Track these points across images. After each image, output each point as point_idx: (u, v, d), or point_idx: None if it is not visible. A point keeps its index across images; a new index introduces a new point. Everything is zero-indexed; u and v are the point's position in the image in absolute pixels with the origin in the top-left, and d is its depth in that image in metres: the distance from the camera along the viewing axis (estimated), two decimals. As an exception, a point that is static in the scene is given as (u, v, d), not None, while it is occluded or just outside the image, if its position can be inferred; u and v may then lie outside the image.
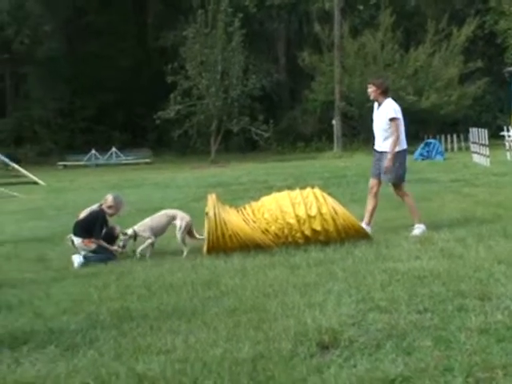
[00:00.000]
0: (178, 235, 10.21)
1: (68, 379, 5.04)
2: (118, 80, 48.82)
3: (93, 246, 9.93)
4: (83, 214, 10.32)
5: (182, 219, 10.30)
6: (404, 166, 11.10)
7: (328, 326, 5.79)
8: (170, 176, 28.83)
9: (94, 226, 9.96)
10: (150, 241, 10.11)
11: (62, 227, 13.76)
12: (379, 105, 11.15)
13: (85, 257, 9.71)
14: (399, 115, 10.99)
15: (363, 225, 10.65)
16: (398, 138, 10.86)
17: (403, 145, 11.08)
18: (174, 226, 10.34)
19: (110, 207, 10.19)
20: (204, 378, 4.92)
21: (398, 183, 11.07)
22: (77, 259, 9.59)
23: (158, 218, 10.46)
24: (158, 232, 10.33)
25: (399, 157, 10.93)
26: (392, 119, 10.88)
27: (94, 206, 10.32)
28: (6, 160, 29.35)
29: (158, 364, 5.21)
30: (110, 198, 10.26)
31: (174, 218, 10.40)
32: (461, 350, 5.10)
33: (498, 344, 5.19)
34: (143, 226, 10.21)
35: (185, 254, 10.04)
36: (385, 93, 11.14)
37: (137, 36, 55.42)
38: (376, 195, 11.16)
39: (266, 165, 33.74)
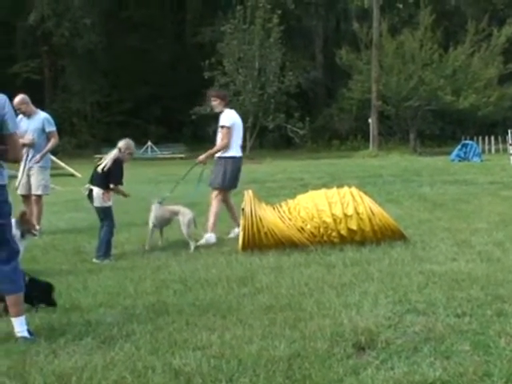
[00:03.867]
0: (184, 230, 10.30)
1: (105, 372, 5.05)
2: (155, 74, 49.04)
3: (109, 203, 9.83)
4: (104, 162, 9.85)
5: (184, 215, 10.37)
6: (233, 175, 11.37)
7: (364, 327, 5.76)
8: (205, 171, 28.83)
9: (116, 172, 9.82)
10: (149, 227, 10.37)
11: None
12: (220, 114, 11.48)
13: (97, 257, 9.63)
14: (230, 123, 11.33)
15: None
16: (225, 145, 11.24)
17: (235, 152, 11.40)
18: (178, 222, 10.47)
19: (130, 153, 10.11)
20: (240, 375, 4.90)
21: (220, 189, 11.30)
22: (96, 261, 9.56)
23: (161, 211, 10.57)
24: (160, 223, 10.55)
25: (228, 163, 11.28)
26: (222, 127, 11.28)
27: (115, 152, 9.96)
28: (44, 152, 29.54)
29: (194, 359, 5.21)
30: (131, 144, 10.14)
31: (176, 213, 10.50)
32: (500, 355, 5.04)
33: (538, 350, 5.14)
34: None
35: (192, 248, 10.12)
36: (227, 104, 11.62)
37: (175, 31, 55.68)
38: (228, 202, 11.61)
39: (301, 162, 33.68)
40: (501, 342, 5.32)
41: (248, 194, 9.97)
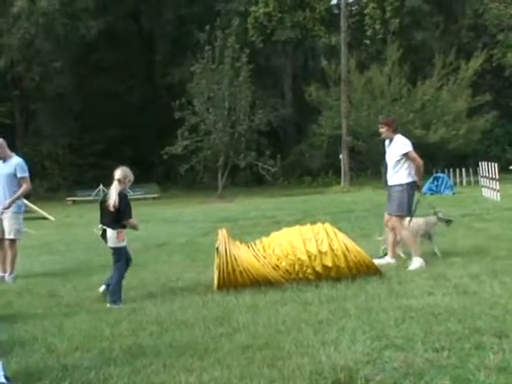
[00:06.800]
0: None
1: (82, 418, 5.00)
2: (126, 116, 49.15)
3: (123, 243, 9.65)
4: (112, 200, 9.54)
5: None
6: (411, 200, 11.42)
7: (343, 364, 5.74)
8: (177, 211, 28.84)
9: (124, 207, 9.59)
10: None
11: (73, 262, 13.79)
12: (390, 141, 11.50)
13: (113, 301, 9.49)
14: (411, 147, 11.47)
15: (388, 258, 11.29)
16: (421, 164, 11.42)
17: (412, 177, 11.41)
18: None
19: (130, 181, 9.95)
20: (219, 417, 4.87)
21: (401, 216, 11.34)
22: (113, 306, 9.39)
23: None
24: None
25: (409, 189, 11.33)
26: (406, 154, 11.30)
27: (116, 186, 9.71)
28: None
29: (173, 402, 5.17)
30: (128, 171, 10.02)
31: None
32: (480, 388, 5.05)
33: (517, 382, 5.14)
34: None
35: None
36: (396, 130, 11.59)
37: (144, 73, 55.87)
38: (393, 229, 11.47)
39: (274, 200, 33.70)
40: (480, 375, 5.32)
41: (222, 233, 9.96)
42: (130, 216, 9.68)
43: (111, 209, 9.50)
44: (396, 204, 11.23)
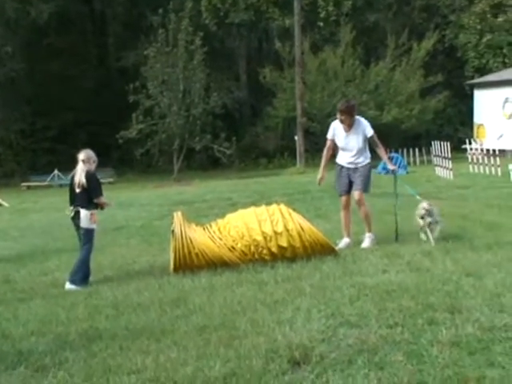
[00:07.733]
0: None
1: (38, 401, 4.99)
2: (79, 100, 48.58)
3: (94, 225, 9.76)
4: (77, 179, 9.69)
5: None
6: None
7: (298, 343, 5.79)
8: (133, 195, 28.68)
9: (93, 185, 9.72)
10: None
11: (27, 248, 13.67)
12: (351, 126, 11.47)
13: (73, 281, 9.51)
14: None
15: (345, 238, 11.24)
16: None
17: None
18: None
19: (94, 161, 10.07)
20: (176, 398, 4.89)
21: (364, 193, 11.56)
22: (70, 286, 9.41)
23: None
24: None
25: (370, 168, 11.67)
26: (372, 136, 11.50)
27: (81, 166, 9.81)
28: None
29: (129, 384, 5.17)
30: (91, 153, 10.16)
31: None
32: (433, 363, 5.12)
33: (469, 356, 5.23)
34: None
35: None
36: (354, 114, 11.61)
37: (98, 56, 55.32)
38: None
39: (230, 182, 33.67)
40: (433, 350, 5.40)
41: (177, 216, 9.95)
42: (100, 193, 9.77)
43: (77, 188, 9.57)
44: (367, 182, 11.49)
